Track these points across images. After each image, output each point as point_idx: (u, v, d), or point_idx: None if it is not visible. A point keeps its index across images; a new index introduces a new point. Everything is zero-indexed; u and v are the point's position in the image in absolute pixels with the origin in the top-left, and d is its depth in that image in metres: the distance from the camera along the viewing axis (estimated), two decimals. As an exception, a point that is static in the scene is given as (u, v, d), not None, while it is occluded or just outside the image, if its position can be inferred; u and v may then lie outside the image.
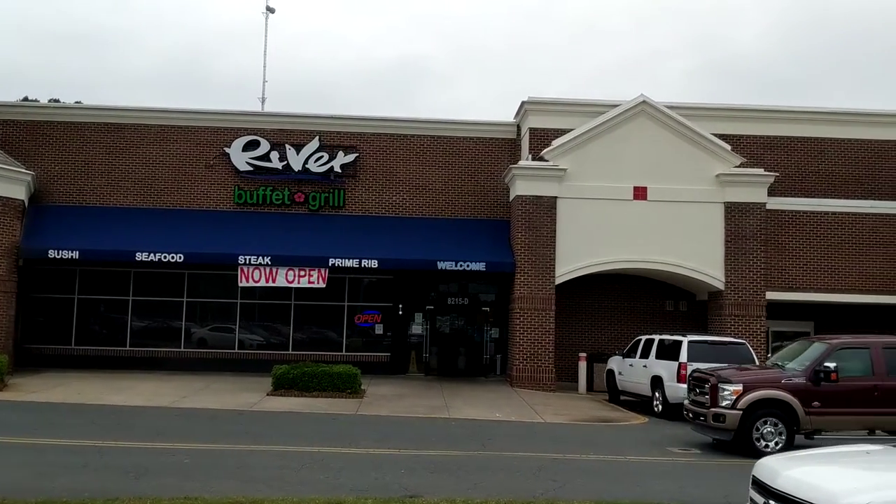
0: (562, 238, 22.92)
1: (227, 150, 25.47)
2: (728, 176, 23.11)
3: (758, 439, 13.52)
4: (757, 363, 17.89)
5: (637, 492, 10.25)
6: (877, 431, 13.93)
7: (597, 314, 25.40)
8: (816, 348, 14.33)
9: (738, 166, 23.43)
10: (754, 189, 23.21)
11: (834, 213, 24.11)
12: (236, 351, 25.66)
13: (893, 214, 24.20)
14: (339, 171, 25.66)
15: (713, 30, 70.69)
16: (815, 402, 13.52)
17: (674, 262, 23.06)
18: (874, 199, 24.76)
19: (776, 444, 13.41)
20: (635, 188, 23.16)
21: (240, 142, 25.50)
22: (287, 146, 25.52)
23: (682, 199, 23.09)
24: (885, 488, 5.38)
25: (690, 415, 14.68)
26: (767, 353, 24.42)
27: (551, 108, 25.04)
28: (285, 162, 25.48)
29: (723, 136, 24.07)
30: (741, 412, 13.49)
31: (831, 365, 13.51)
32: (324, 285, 23.58)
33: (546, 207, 22.93)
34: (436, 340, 26.69)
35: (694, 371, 15.44)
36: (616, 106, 23.84)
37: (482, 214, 25.93)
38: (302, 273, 23.36)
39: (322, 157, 25.57)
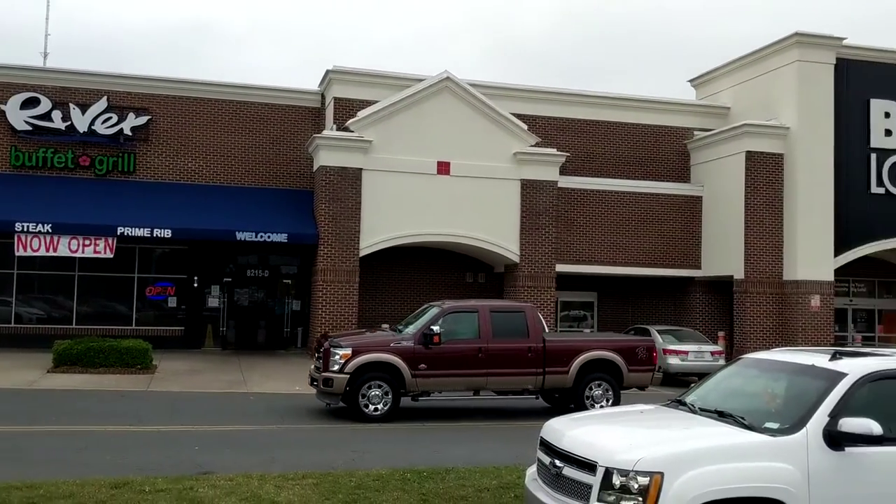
0: (367, 210, 22.92)
1: (2, 107, 23.16)
2: (524, 154, 24.10)
3: (365, 404, 13.52)
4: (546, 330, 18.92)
5: (436, 458, 10.52)
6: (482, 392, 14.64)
7: (401, 286, 25.72)
8: (430, 312, 14.60)
9: (534, 145, 24.51)
10: (548, 168, 24.39)
11: (617, 192, 25.91)
12: (13, 325, 23.56)
13: (668, 194, 26.40)
14: (130, 133, 24.11)
15: (502, 9, 73.24)
16: (422, 365, 13.79)
17: (474, 236, 23.77)
18: (652, 180, 26.86)
19: (384, 405, 13.59)
20: (439, 163, 23.57)
21: (17, 99, 23.32)
22: (71, 105, 23.60)
23: (483, 175, 23.79)
24: (654, 444, 5.85)
25: (313, 381, 14.35)
26: (556, 322, 25.94)
27: (357, 79, 24.90)
28: (69, 122, 23.58)
29: (520, 116, 25.04)
30: (348, 376, 13.46)
31: (436, 328, 13.87)
32: (111, 255, 22.10)
33: (351, 179, 22.82)
34: (234, 314, 25.90)
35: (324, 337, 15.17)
36: (421, 80, 24.08)
37: (285, 184, 25.40)
38: (87, 242, 21.73)
39: (111, 118, 23.89)
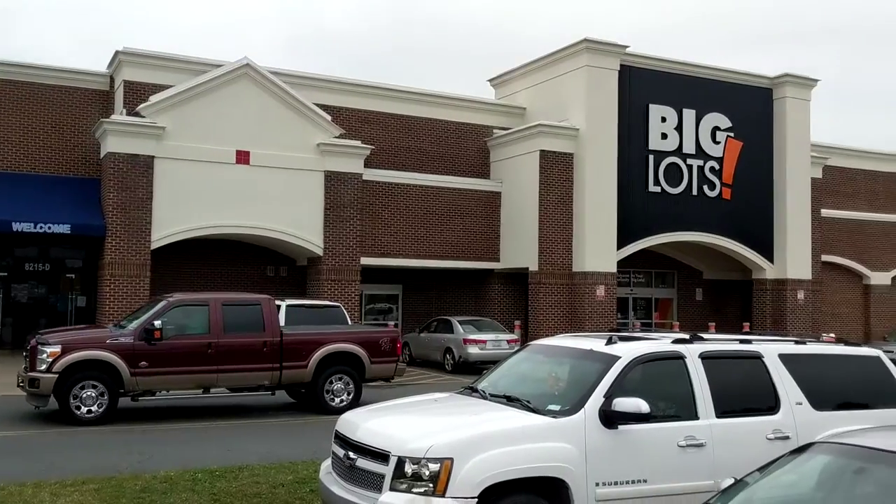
0: (159, 200, 21.74)
1: None
2: (328, 146, 23.90)
3: (77, 406, 12.53)
4: (350, 324, 18.94)
5: (230, 456, 10.19)
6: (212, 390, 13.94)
7: (198, 281, 24.64)
8: (157, 306, 13.71)
9: (338, 137, 24.36)
10: (352, 160, 24.34)
11: (422, 186, 26.36)
12: None
13: (469, 189, 27.21)
14: None
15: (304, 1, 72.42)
16: (143, 362, 12.88)
17: (275, 228, 23.25)
18: (455, 175, 27.57)
19: (99, 407, 12.63)
20: (238, 152, 22.83)
21: None
22: None
23: (285, 165, 23.32)
24: (445, 431, 5.99)
25: (20, 381, 13.08)
26: (361, 315, 25.98)
27: (150, 62, 23.55)
28: None
29: (324, 107, 24.82)
30: (56, 375, 12.39)
31: (157, 322, 13.01)
32: None
33: (142, 167, 21.54)
34: (10, 311, 23.73)
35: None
36: (220, 66, 23.21)
37: (69, 171, 23.58)
38: None
39: None
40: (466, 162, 28.42)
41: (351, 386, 14.61)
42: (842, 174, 34.81)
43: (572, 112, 26.52)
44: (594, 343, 7.03)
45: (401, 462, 5.76)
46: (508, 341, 22.77)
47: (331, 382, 14.40)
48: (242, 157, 22.87)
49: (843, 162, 34.81)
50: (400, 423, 6.49)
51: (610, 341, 6.89)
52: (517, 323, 26.14)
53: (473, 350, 21.95)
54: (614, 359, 6.54)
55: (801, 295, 29.16)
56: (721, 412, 6.59)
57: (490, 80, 31.22)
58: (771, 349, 7.18)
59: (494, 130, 28.45)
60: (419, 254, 26.14)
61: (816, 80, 29.97)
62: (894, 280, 35.28)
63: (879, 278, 34.80)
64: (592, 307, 25.80)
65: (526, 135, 26.68)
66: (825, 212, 31.89)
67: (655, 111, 27.34)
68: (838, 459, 4.94)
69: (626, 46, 26.63)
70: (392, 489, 5.75)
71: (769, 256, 29.26)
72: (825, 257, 31.85)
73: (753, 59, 76.21)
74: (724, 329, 27.44)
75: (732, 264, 30.23)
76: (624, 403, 6.11)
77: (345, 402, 14.21)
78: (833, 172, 33.58)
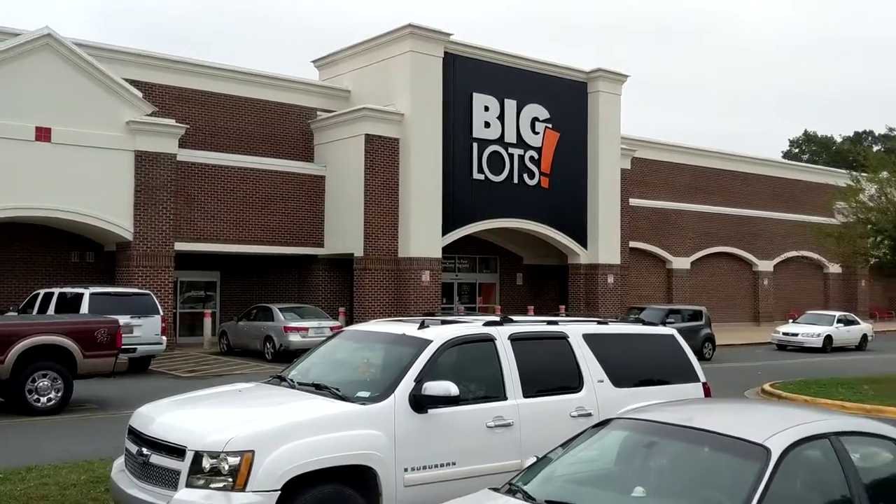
0: (-58, 179, 19.59)
1: None
2: (139, 124, 22.48)
3: None
4: (161, 313, 17.94)
5: (19, 455, 9.30)
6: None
7: (-11, 267, 22.52)
8: None
9: (150, 115, 22.98)
10: (165, 139, 23.03)
11: (241, 169, 25.42)
12: None
13: (292, 172, 26.57)
14: None
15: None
16: None
17: (80, 211, 21.61)
18: (278, 158, 26.81)
19: None
20: (38, 129, 21.00)
21: None
22: None
23: (91, 143, 21.69)
24: (245, 423, 5.69)
25: None
26: (176, 304, 24.75)
27: (-70, 24, 21.11)
28: None
29: (135, 83, 23.34)
30: None
31: None
32: None
33: (-80, 141, 19.29)
34: None
35: None
36: (17, 35, 21.24)
37: None
38: None
39: None
40: (289, 144, 27.70)
41: (60, 383, 12.85)
42: (648, 166, 37.12)
43: (397, 97, 26.49)
44: (406, 328, 6.95)
45: (198, 457, 5.42)
46: (332, 328, 22.41)
47: (34, 380, 12.63)
48: (43, 135, 21.06)
49: (649, 154, 37.14)
50: (198, 415, 6.11)
51: (422, 325, 6.83)
52: (342, 310, 25.87)
53: (295, 338, 21.43)
54: (426, 343, 6.48)
55: (611, 279, 30.85)
56: (529, 392, 6.71)
57: (314, 62, 30.60)
58: (575, 330, 7.39)
59: (318, 113, 27.92)
60: (239, 239, 25.23)
61: (626, 76, 31.67)
62: (693, 265, 38.13)
63: (680, 263, 37.49)
64: (418, 293, 25.99)
65: (351, 118, 26.38)
66: (633, 201, 33.87)
67: (479, 100, 27.84)
68: (634, 434, 5.12)
69: (450, 34, 26.91)
70: (189, 485, 5.41)
71: (583, 243, 30.70)
72: (633, 243, 33.86)
73: (572, 54, 79.78)
74: (543, 312, 28.56)
75: (550, 250, 31.47)
76: (434, 387, 6.06)
77: (53, 402, 12.72)
78: (640, 164, 35.72)
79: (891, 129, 69.68)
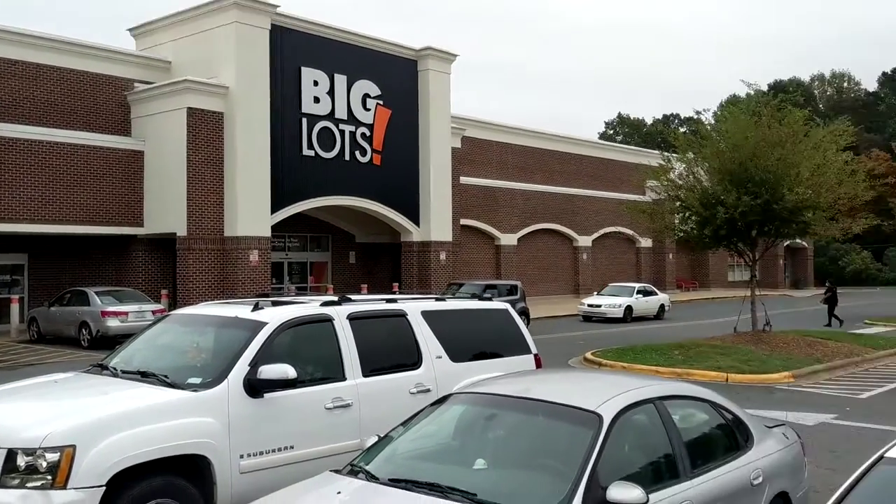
0: None
1: None
2: (-73, 91, 20.25)
3: None
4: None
5: None
6: None
7: None
8: None
9: (-59, 81, 20.75)
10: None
11: (49, 143, 23.51)
12: None
13: (107, 147, 24.90)
14: None
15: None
16: None
17: None
18: (91, 131, 25.01)
19: None
20: None
21: None
22: None
23: None
24: (65, 416, 5.26)
25: None
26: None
27: None
28: None
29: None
30: None
31: None
32: None
33: None
34: None
35: None
36: None
37: None
38: None
39: None
40: (104, 118, 25.89)
41: None
42: (478, 145, 37.98)
43: (222, 69, 25.41)
44: (239, 310, 6.68)
45: (12, 454, 4.98)
46: (154, 312, 21.32)
47: None
48: None
49: (478, 133, 37.98)
50: (10, 410, 5.60)
51: (256, 307, 6.59)
52: (164, 292, 24.67)
53: (113, 323, 20.21)
54: (260, 325, 6.26)
55: (443, 256, 31.37)
56: (368, 371, 6.66)
57: (131, 30, 28.75)
58: (414, 307, 7.42)
59: (136, 84, 26.28)
60: (47, 218, 23.37)
61: (456, 55, 32.11)
62: (520, 241, 39.51)
63: (508, 239, 38.74)
64: (246, 273, 25.22)
65: (171, 91, 25.02)
66: (463, 179, 34.54)
67: (308, 74, 27.26)
68: (473, 408, 5.21)
69: (277, 6, 26.11)
70: (2, 486, 4.94)
71: (416, 220, 30.97)
72: (463, 221, 34.58)
73: (403, 32, 79.93)
74: (376, 290, 28.58)
75: (383, 228, 31.52)
76: (270, 370, 5.88)
77: None
78: (470, 142, 36.46)
79: (697, 112, 75.07)
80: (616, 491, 4.07)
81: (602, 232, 44.43)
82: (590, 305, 30.51)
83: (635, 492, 4.05)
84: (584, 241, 43.49)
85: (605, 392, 4.88)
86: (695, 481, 4.72)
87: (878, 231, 34.63)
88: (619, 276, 43.76)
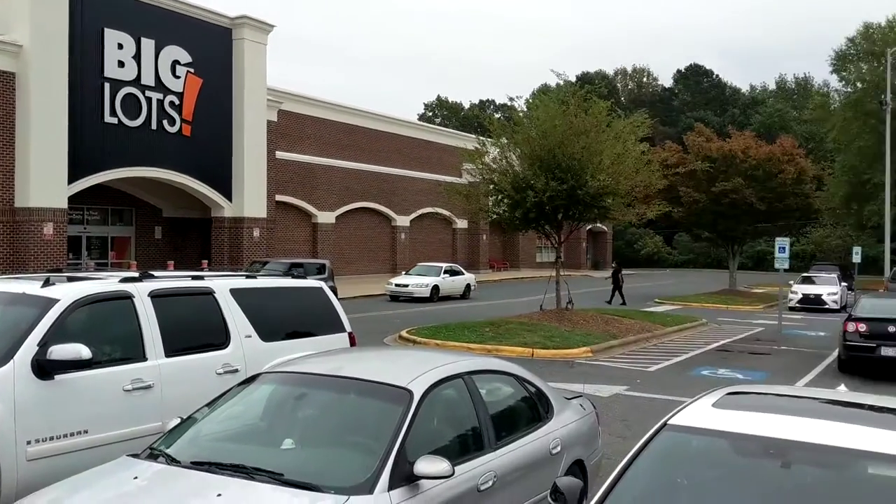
0: None
1: None
2: None
3: None
4: None
5: None
6: None
7: None
8: None
9: None
10: None
11: None
12: None
13: None
14: None
15: None
16: None
17: None
18: None
19: None
20: None
21: None
22: None
23: None
24: None
25: None
26: None
27: None
28: None
29: None
30: None
31: None
32: None
33: None
34: None
35: None
36: None
37: None
38: None
39: None
40: None
41: None
42: (295, 119, 37.23)
43: (15, 27, 23.23)
44: (27, 286, 6.15)
45: None
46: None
47: None
48: None
49: (296, 108, 37.23)
50: None
51: (47, 283, 6.09)
52: (-58, 266, 22.31)
53: None
54: (52, 302, 5.80)
55: (256, 232, 30.55)
56: (171, 351, 6.35)
57: None
58: (222, 284, 7.15)
59: None
60: None
61: (273, 26, 31.20)
62: (338, 219, 39.27)
63: (326, 217, 38.38)
64: (39, 247, 23.32)
65: (-49, 44, 22.55)
66: (280, 154, 33.77)
67: (112, 36, 25.48)
68: (283, 387, 5.12)
69: (78, -40, 24.17)
70: None
71: (228, 195, 29.91)
72: (279, 197, 33.85)
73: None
74: (184, 267, 27.35)
75: (192, 202, 30.20)
76: (62, 350, 5.47)
77: None
78: (287, 117, 35.67)
79: (511, 99, 77.76)
80: (423, 465, 4.14)
81: (420, 212, 45.10)
82: (397, 285, 30.25)
83: (442, 465, 4.14)
84: (403, 220, 43.95)
85: (415, 368, 4.94)
86: (498, 452, 4.91)
87: (668, 217, 37.46)
88: (436, 256, 44.69)
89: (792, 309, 29.11)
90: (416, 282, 30.15)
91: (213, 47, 28.99)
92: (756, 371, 14.58)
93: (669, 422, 3.83)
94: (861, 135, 45.96)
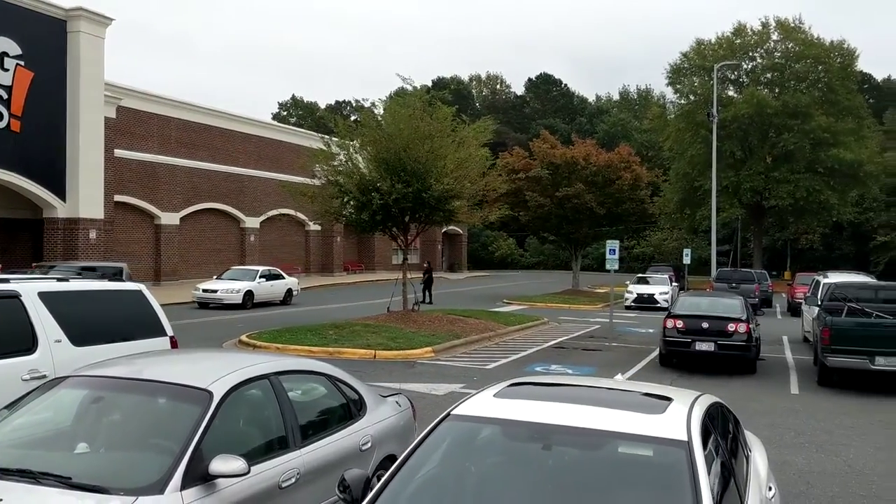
0: None
1: None
2: None
3: None
4: None
5: None
6: None
7: None
8: None
9: None
10: None
11: None
12: None
13: None
14: None
15: None
16: None
17: None
18: None
19: None
20: None
21: None
22: None
23: None
24: None
25: None
26: None
27: None
28: None
29: None
30: None
31: None
32: None
33: None
34: None
35: None
36: None
37: None
38: None
39: None
40: None
41: None
42: (137, 116, 35.68)
43: None
44: None
45: None
46: None
47: None
48: None
49: (139, 105, 35.68)
50: None
51: None
52: None
53: None
54: None
55: (93, 234, 29.08)
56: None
57: None
58: (30, 288, 6.87)
59: None
60: None
61: (111, 19, 29.78)
62: (183, 220, 38.00)
63: (169, 218, 37.05)
64: None
65: None
66: (119, 152, 32.31)
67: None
68: (81, 391, 5.01)
69: None
70: None
71: (61, 194, 28.31)
72: (118, 197, 32.38)
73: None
74: (13, 270, 25.66)
75: (22, 202, 28.38)
76: None
77: None
78: (129, 114, 34.18)
79: (357, 101, 77.91)
80: (218, 464, 4.18)
81: (271, 213, 44.32)
82: (205, 290, 27.37)
83: (237, 463, 4.20)
84: (252, 222, 43.09)
85: (219, 370, 4.96)
86: (303, 450, 5.01)
87: (518, 220, 38.76)
88: (288, 259, 44.11)
89: (628, 308, 30.80)
90: (227, 287, 27.36)
91: (46, 39, 27.36)
92: (586, 366, 15.36)
93: (453, 412, 4.07)
94: (693, 144, 49.25)
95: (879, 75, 76.08)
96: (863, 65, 64.32)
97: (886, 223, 55.89)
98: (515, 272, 68.21)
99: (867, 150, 47.80)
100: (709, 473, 3.51)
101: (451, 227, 53.78)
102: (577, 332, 22.08)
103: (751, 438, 5.29)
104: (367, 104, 22.07)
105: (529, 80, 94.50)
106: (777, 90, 49.65)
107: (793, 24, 49.86)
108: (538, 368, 15.07)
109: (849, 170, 46.78)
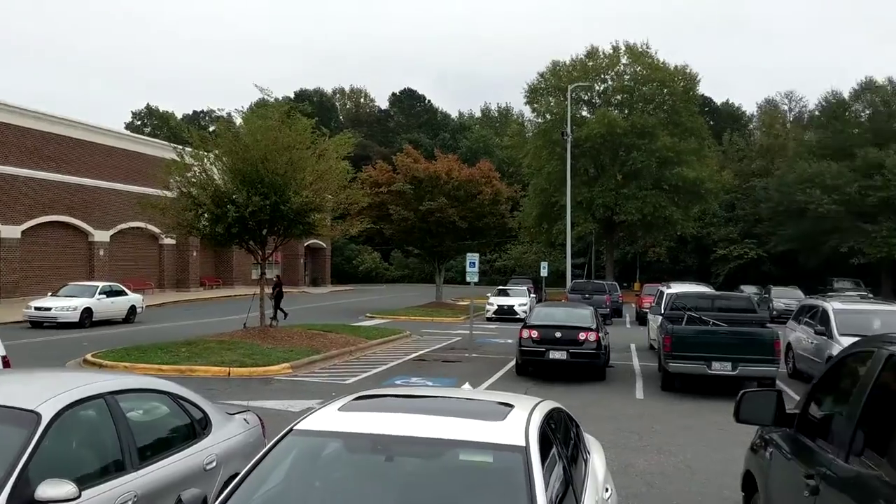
0: None
1: None
2: None
3: None
4: None
5: None
6: None
7: None
8: None
9: None
10: None
11: None
12: None
13: None
14: None
15: None
16: None
17: None
18: None
19: None
20: None
21: None
22: None
23: None
24: None
25: None
26: None
27: None
28: None
29: None
30: None
31: None
32: None
33: None
34: None
35: None
36: None
37: None
38: None
39: None
40: None
41: None
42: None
43: None
44: None
45: None
46: None
47: None
48: None
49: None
50: None
51: None
52: None
53: None
54: None
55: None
56: None
57: None
58: None
59: None
60: None
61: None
62: (25, 234, 35.67)
63: (10, 232, 34.72)
64: None
65: None
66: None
67: None
68: None
69: None
70: None
71: None
72: (-50, 209, 30.01)
73: None
74: None
75: None
76: None
77: None
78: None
79: (222, 110, 75.80)
80: (45, 489, 3.96)
81: (122, 227, 42.30)
82: (38, 308, 25.56)
83: (66, 488, 3.99)
84: (102, 235, 40.98)
85: (50, 390, 4.69)
86: (141, 472, 4.80)
87: (382, 234, 38.80)
88: (141, 274, 42.28)
89: (489, 319, 31.42)
90: (63, 304, 25.63)
91: None
92: (446, 378, 15.54)
93: (295, 427, 4.02)
94: (550, 161, 51.03)
95: (719, 99, 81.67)
96: (704, 89, 68.74)
97: (725, 237, 60.04)
98: (380, 286, 68.22)
99: (708, 169, 51.09)
100: (546, 476, 3.63)
101: (314, 241, 53.13)
102: (438, 344, 22.31)
103: (590, 441, 5.51)
104: (224, 115, 21.36)
105: (393, 94, 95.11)
106: (626, 111, 52.25)
107: (640, 49, 52.67)
108: (398, 381, 15.10)
109: (691, 187, 49.79)
